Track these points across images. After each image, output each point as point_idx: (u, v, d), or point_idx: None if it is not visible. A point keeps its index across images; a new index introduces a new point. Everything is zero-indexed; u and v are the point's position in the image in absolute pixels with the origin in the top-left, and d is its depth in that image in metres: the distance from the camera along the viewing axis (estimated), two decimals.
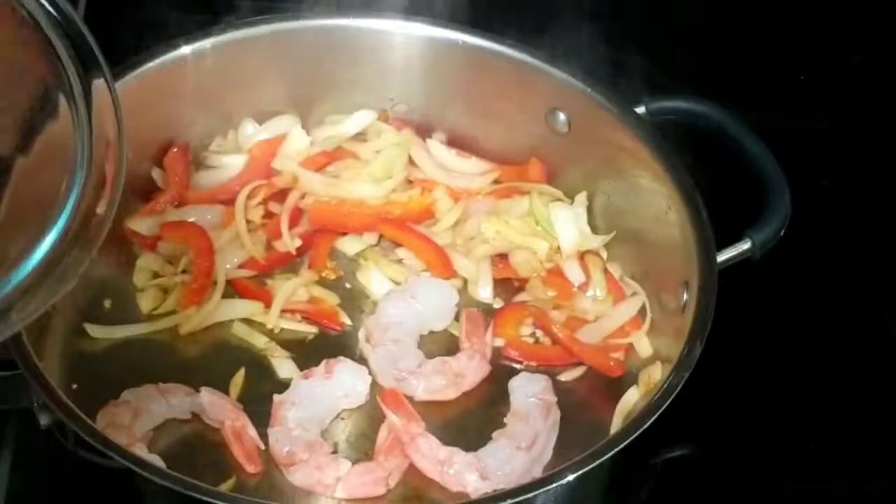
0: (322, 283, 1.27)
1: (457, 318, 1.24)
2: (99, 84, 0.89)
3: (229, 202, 1.29)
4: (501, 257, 1.28)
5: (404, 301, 1.23)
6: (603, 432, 1.13)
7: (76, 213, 0.84)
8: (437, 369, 1.18)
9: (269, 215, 1.30)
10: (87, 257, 0.85)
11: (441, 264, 1.27)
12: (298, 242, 1.28)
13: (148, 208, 1.29)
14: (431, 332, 1.23)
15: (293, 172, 1.31)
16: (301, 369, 1.18)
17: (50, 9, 0.90)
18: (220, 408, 1.12)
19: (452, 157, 1.35)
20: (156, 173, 1.31)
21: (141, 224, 1.27)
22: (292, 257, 1.28)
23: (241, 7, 1.37)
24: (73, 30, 0.90)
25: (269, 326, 1.22)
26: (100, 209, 0.86)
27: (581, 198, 1.31)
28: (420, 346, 1.21)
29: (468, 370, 1.18)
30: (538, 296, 1.25)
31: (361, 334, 1.21)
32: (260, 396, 1.15)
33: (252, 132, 1.34)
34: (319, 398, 1.14)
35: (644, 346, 1.21)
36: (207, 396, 1.13)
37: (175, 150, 1.31)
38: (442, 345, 1.22)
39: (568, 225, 1.29)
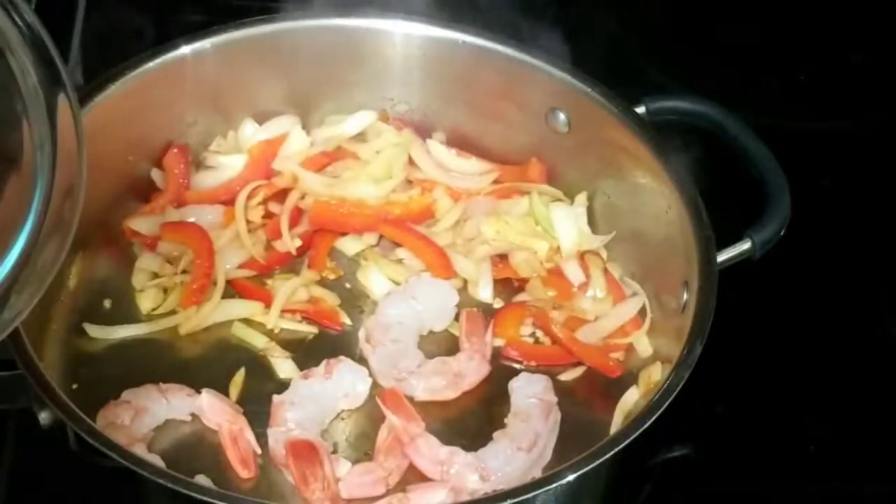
0: (322, 283, 1.26)
1: (457, 318, 1.24)
2: (62, 97, 0.91)
3: (229, 202, 1.29)
4: (501, 257, 1.28)
5: (404, 301, 1.23)
6: (603, 432, 1.13)
7: (42, 214, 0.89)
8: (436, 369, 1.18)
9: (269, 215, 1.30)
10: (62, 251, 0.90)
11: (441, 264, 1.27)
12: (298, 242, 1.28)
13: (148, 208, 1.29)
14: (431, 333, 1.23)
15: (293, 172, 1.31)
16: (301, 369, 1.18)
17: (16, 18, 0.91)
18: (218, 410, 1.12)
19: (452, 157, 1.35)
20: (155, 174, 1.31)
21: (141, 224, 1.27)
22: (292, 257, 1.28)
23: (241, 7, 1.37)
24: (38, 41, 0.91)
25: (269, 326, 1.22)
26: (66, 209, 0.91)
27: (581, 198, 1.31)
28: (420, 347, 1.21)
29: (468, 370, 1.18)
30: (538, 296, 1.25)
31: (361, 334, 1.21)
32: (260, 396, 1.15)
33: (252, 132, 1.34)
34: (319, 398, 1.14)
35: (644, 346, 1.21)
36: (207, 398, 1.13)
37: (175, 150, 1.31)
38: (442, 345, 1.22)
39: (568, 225, 1.29)
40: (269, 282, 1.26)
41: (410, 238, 1.29)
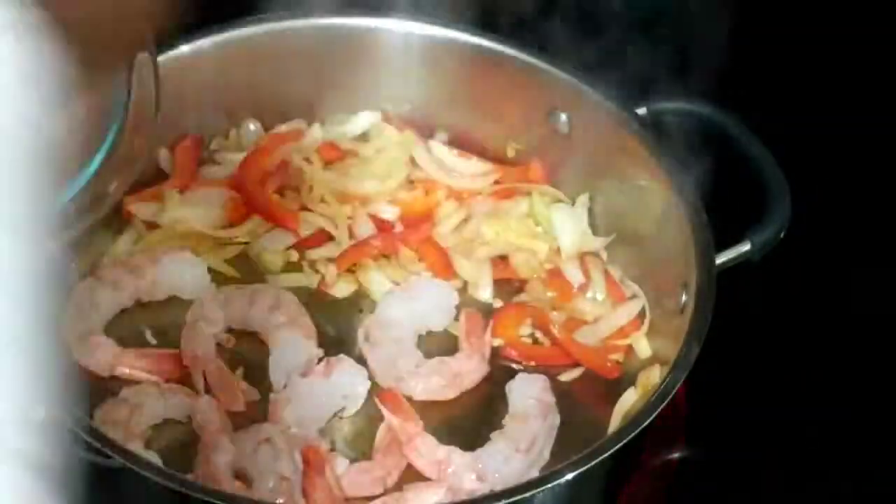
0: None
1: (456, 319, 1.24)
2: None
3: (238, 188, 1.29)
4: (501, 258, 1.28)
5: (404, 301, 1.23)
6: (601, 434, 1.12)
7: (113, 150, 0.94)
8: (435, 369, 1.18)
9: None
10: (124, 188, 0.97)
11: (442, 265, 1.27)
12: None
13: (151, 193, 1.28)
14: (431, 333, 1.23)
15: (299, 166, 1.31)
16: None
17: None
18: (211, 420, 1.11)
19: (454, 157, 1.35)
20: (163, 155, 1.31)
21: (142, 208, 1.27)
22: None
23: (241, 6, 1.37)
24: None
25: None
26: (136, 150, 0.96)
27: (583, 199, 1.31)
28: (419, 346, 1.21)
29: (467, 370, 1.18)
30: (538, 297, 1.25)
31: (361, 333, 1.21)
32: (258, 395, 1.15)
33: (253, 131, 1.35)
34: (317, 397, 1.14)
35: (643, 348, 1.21)
36: (205, 404, 1.12)
37: (187, 141, 1.31)
38: (441, 345, 1.22)
39: (568, 226, 1.29)
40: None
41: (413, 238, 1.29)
